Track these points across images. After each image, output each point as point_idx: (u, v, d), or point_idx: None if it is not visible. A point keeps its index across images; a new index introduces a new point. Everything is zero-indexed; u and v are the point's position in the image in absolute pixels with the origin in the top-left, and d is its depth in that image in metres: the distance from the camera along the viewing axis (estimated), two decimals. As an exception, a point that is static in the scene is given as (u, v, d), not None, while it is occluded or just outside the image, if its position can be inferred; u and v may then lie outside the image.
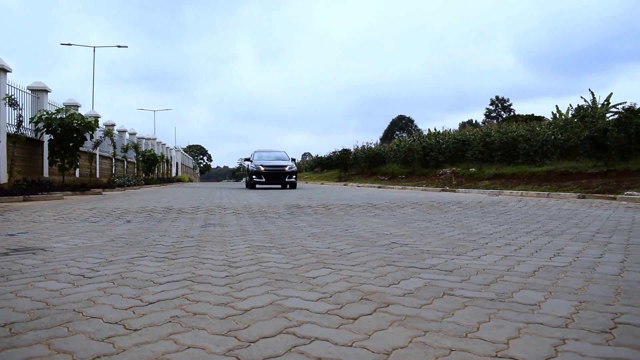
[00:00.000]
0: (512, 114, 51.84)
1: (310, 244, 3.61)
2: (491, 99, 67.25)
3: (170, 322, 1.69)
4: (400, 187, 16.77)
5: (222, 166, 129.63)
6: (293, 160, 18.52)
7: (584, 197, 9.02)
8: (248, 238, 3.96)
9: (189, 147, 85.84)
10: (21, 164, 11.03)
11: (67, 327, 1.63)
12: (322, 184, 25.28)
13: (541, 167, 14.01)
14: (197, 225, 5.06)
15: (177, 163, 41.49)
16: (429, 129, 25.12)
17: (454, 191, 13.02)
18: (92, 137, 14.30)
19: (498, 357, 1.37)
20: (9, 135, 10.24)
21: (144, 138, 26.31)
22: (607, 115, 15.37)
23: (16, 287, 2.23)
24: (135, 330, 1.60)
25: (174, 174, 37.75)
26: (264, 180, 16.56)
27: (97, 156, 16.97)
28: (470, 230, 4.46)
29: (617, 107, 15.56)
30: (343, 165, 28.87)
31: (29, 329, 1.61)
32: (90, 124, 12.27)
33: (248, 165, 17.84)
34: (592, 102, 16.38)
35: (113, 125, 19.71)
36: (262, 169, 16.60)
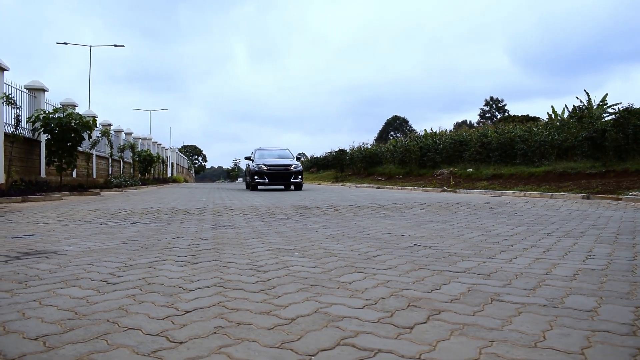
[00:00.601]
0: (506, 114, 52.02)
1: (331, 246, 3.51)
2: (485, 100, 67.63)
3: (215, 333, 1.58)
4: (399, 187, 16.70)
5: (216, 166, 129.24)
6: (298, 158, 16.98)
7: (588, 198, 8.99)
8: (265, 240, 3.86)
9: (184, 147, 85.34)
10: (18, 164, 10.82)
11: (105, 340, 1.52)
12: (318, 184, 25.15)
13: (539, 167, 13.99)
14: (208, 226, 4.94)
15: (172, 163, 41.18)
16: (425, 130, 25.10)
17: (455, 191, 12.96)
18: (89, 137, 14.08)
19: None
20: (6, 135, 10.03)
21: (140, 138, 26.04)
22: (604, 115, 15.42)
23: (38, 294, 2.12)
24: (181, 342, 1.49)
25: (169, 174, 37.46)
26: (266, 181, 15.01)
27: (94, 156, 16.74)
28: (488, 231, 4.38)
29: (613, 107, 15.63)
30: (339, 166, 28.74)
31: (64, 342, 1.50)
32: (88, 124, 12.07)
33: (249, 165, 16.45)
34: (587, 103, 16.42)
35: (110, 125, 19.47)
36: (265, 168, 15.02)
